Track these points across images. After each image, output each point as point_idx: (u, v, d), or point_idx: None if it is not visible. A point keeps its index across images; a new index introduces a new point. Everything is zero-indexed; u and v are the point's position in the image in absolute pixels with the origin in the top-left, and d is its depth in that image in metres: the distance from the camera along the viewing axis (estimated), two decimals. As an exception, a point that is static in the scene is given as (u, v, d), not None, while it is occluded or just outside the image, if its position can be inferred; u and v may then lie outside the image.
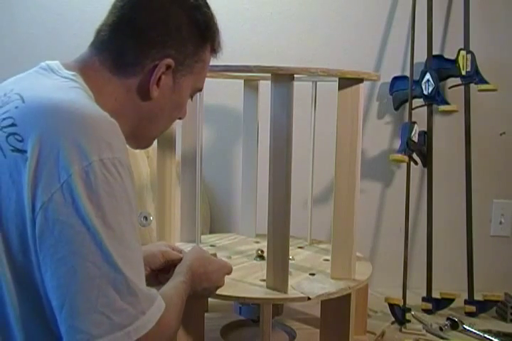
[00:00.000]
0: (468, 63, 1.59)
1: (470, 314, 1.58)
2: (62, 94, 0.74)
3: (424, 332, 1.47)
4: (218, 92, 1.69)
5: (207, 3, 0.91)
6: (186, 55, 0.87)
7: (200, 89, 0.96)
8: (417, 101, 1.64)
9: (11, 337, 0.71)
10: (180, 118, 0.98)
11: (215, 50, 0.94)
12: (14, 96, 0.76)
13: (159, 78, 0.84)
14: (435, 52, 1.67)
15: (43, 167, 0.67)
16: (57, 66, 0.82)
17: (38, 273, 0.68)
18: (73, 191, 0.66)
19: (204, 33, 0.89)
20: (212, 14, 0.91)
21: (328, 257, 1.26)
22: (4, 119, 0.73)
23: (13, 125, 0.71)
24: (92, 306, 0.65)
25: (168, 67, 0.84)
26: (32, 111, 0.72)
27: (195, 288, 0.98)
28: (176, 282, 0.92)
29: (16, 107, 0.73)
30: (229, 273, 1.10)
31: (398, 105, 1.74)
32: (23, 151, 0.68)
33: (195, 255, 1.05)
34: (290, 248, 1.14)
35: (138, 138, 0.91)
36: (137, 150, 1.52)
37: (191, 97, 0.95)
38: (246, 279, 1.17)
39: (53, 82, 0.78)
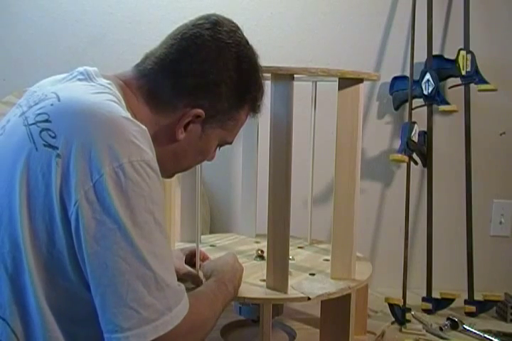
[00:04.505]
0: (468, 63, 1.59)
1: (470, 314, 1.58)
2: (96, 97, 0.76)
3: (424, 332, 1.46)
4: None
5: (255, 66, 0.91)
6: (219, 110, 0.88)
7: (229, 143, 0.96)
8: (417, 101, 1.64)
9: (31, 326, 0.73)
10: (208, 160, 0.98)
11: (253, 112, 0.94)
12: (50, 95, 0.78)
13: (188, 123, 0.86)
14: (435, 52, 1.67)
15: (75, 166, 0.69)
16: (95, 73, 0.83)
17: (64, 263, 0.71)
18: (104, 191, 0.69)
19: (243, 95, 0.90)
20: (258, 78, 0.91)
21: (328, 257, 1.26)
22: (39, 114, 0.75)
23: (47, 121, 0.74)
24: (121, 300, 0.68)
25: (197, 116, 0.86)
26: (66, 110, 0.74)
27: (232, 282, 1.02)
28: (208, 282, 0.98)
29: (52, 104, 0.76)
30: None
31: (398, 105, 1.74)
32: (55, 147, 0.71)
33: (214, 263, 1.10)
34: (290, 248, 1.14)
35: (159, 168, 0.92)
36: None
37: (219, 147, 0.96)
38: (246, 279, 1.17)
39: (89, 86, 0.80)
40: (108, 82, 0.81)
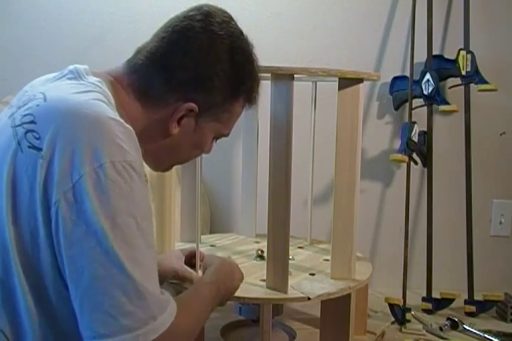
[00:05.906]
0: (468, 63, 1.59)
1: (470, 314, 1.58)
2: (83, 96, 0.75)
3: (424, 332, 1.47)
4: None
5: (250, 57, 0.89)
6: (212, 103, 0.86)
7: (226, 135, 0.94)
8: (417, 101, 1.64)
9: (21, 326, 0.72)
10: (205, 153, 0.96)
11: (249, 103, 0.92)
12: (39, 95, 0.77)
13: (181, 118, 0.84)
14: (435, 52, 1.67)
15: (57, 166, 0.68)
16: (85, 71, 0.81)
17: (48, 266, 0.70)
18: (83, 192, 0.67)
19: (237, 87, 0.88)
20: (252, 70, 0.89)
21: (328, 257, 1.26)
22: (25, 115, 0.74)
23: (32, 122, 0.73)
24: (98, 306, 0.66)
25: (190, 110, 0.84)
26: (51, 111, 0.73)
27: (225, 286, 0.98)
28: (200, 284, 0.94)
29: (38, 105, 0.75)
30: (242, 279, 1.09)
31: (398, 105, 1.74)
32: (39, 149, 0.70)
33: (220, 259, 1.09)
34: (290, 248, 1.14)
35: (155, 162, 0.91)
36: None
37: (216, 139, 0.94)
38: (246, 279, 1.17)
39: (77, 85, 0.78)
40: (98, 79, 0.80)
